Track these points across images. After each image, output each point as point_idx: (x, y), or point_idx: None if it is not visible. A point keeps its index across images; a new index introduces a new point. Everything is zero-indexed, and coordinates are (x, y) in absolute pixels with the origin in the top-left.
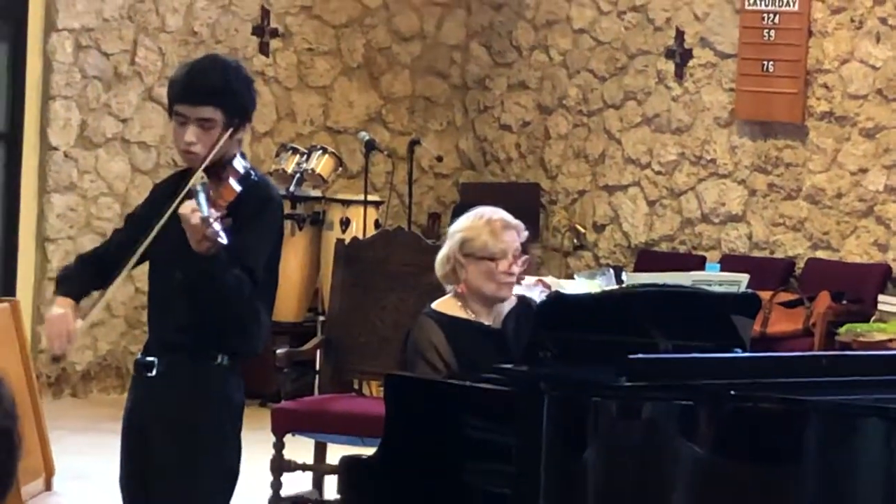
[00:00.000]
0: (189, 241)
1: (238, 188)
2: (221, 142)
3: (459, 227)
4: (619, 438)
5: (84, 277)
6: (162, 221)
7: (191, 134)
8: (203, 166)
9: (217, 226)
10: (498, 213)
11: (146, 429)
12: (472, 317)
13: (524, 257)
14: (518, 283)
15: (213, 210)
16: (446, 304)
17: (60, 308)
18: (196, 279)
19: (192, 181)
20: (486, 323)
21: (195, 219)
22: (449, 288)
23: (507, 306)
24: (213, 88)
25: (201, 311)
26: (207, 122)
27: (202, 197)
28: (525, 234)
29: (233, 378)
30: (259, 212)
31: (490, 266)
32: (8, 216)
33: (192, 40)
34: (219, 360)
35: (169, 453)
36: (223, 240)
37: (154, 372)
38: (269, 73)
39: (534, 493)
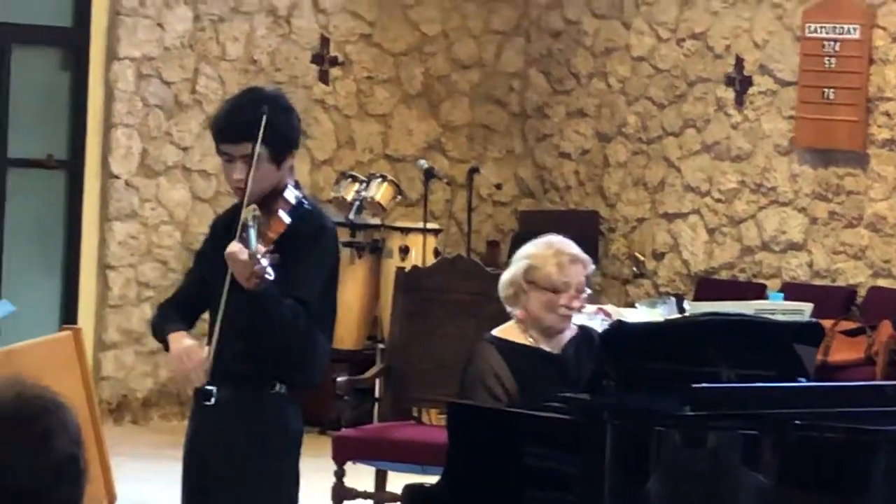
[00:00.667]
0: (237, 279)
1: (287, 220)
2: (263, 173)
3: (527, 254)
4: (683, 468)
5: (178, 319)
6: (228, 280)
7: (238, 171)
8: (250, 201)
9: (265, 261)
10: (567, 246)
11: (205, 456)
12: (532, 343)
13: (587, 292)
14: (578, 311)
15: (260, 245)
16: (507, 331)
17: (185, 340)
18: (248, 313)
19: (242, 216)
20: (547, 349)
21: (242, 256)
22: (510, 310)
23: (569, 335)
24: (250, 124)
25: (255, 343)
26: (251, 157)
27: (252, 232)
28: (591, 268)
29: (290, 407)
30: (311, 242)
31: (552, 297)
32: (70, 244)
33: (252, 69)
34: (276, 389)
35: (226, 481)
36: (270, 276)
37: (212, 400)
38: (329, 101)
39: None
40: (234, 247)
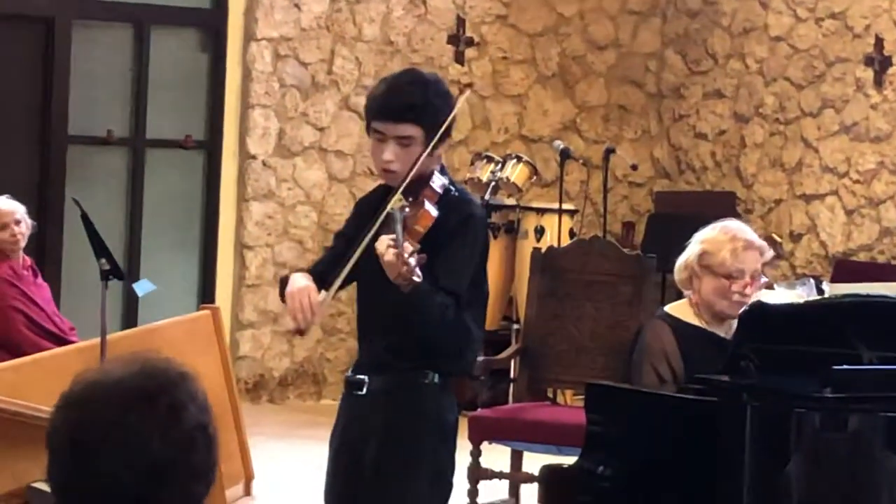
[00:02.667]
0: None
1: (435, 213)
2: (420, 161)
3: (702, 238)
4: (823, 450)
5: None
6: (363, 245)
7: (389, 152)
8: (401, 188)
9: (412, 261)
10: (743, 233)
11: (357, 446)
12: (705, 325)
13: (763, 280)
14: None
15: (407, 244)
16: (681, 309)
17: (302, 280)
18: (395, 308)
19: (390, 204)
20: (720, 334)
21: (390, 255)
22: (686, 293)
23: None
24: (411, 105)
25: (405, 336)
26: (406, 139)
27: (398, 226)
28: (769, 254)
29: (445, 397)
30: (460, 231)
31: (725, 284)
32: (207, 224)
33: (389, 49)
34: (430, 378)
35: (379, 471)
36: (418, 278)
37: (364, 391)
38: (465, 82)
39: None
40: (384, 243)
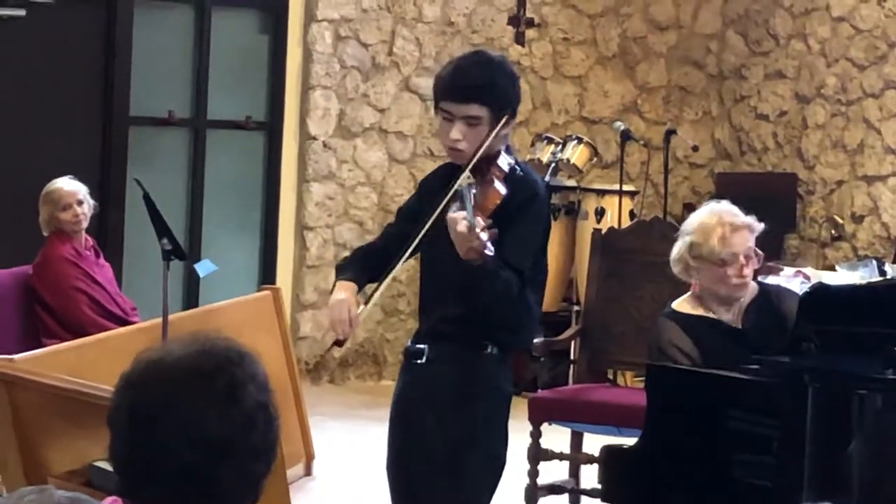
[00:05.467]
0: (457, 248)
1: (504, 191)
2: (488, 140)
3: (689, 229)
4: (885, 432)
5: (361, 268)
6: (431, 220)
7: (456, 131)
8: (470, 166)
9: (484, 236)
10: (727, 215)
11: (413, 415)
12: (711, 314)
13: (757, 256)
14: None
15: (479, 218)
16: (685, 304)
17: (342, 293)
18: (463, 280)
19: (458, 181)
20: (726, 319)
21: (462, 227)
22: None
23: (748, 298)
24: (478, 85)
25: (469, 309)
26: (473, 119)
27: (468, 202)
28: (760, 226)
29: (501, 369)
30: (524, 209)
31: (720, 271)
32: (268, 205)
33: (449, 30)
34: (489, 350)
35: (435, 440)
36: (489, 251)
37: (423, 359)
38: (525, 63)
39: (797, 486)
40: (457, 216)
